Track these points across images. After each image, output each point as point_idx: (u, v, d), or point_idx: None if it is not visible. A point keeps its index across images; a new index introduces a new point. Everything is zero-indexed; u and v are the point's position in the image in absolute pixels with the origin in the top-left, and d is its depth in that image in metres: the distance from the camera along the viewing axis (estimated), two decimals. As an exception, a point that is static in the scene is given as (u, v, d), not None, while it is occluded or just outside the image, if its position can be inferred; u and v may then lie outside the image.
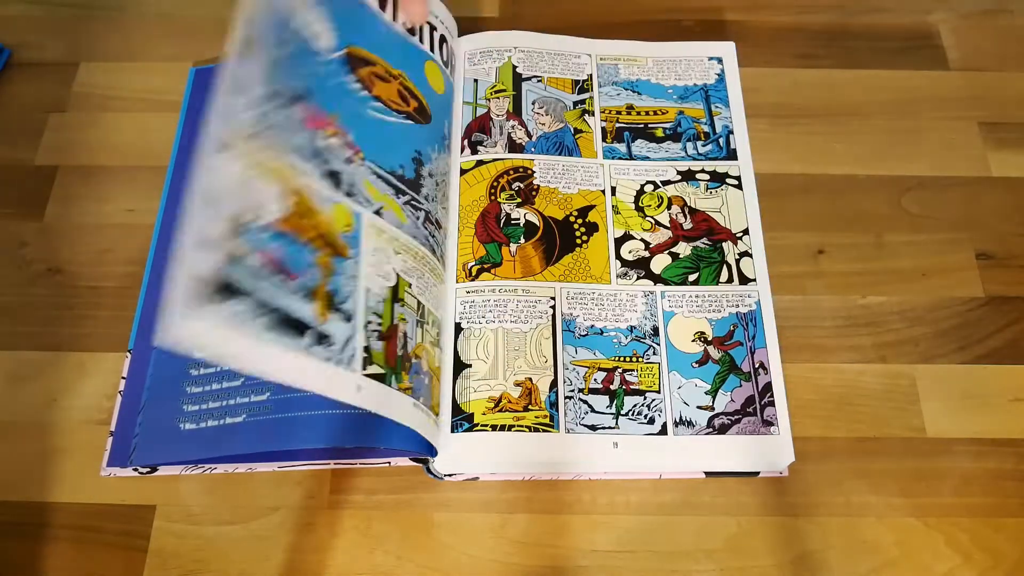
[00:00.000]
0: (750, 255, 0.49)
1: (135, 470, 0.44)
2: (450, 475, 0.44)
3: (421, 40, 0.50)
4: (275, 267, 0.34)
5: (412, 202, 0.45)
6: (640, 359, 0.46)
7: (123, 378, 0.47)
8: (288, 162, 0.37)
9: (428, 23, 0.51)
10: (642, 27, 0.58)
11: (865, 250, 0.51)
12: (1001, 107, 0.55)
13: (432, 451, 0.42)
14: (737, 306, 0.47)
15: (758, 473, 0.44)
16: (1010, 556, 0.42)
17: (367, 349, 0.38)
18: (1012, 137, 0.54)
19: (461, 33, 0.56)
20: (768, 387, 0.45)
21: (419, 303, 0.43)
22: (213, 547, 0.43)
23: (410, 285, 0.42)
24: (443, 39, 0.53)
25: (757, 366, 0.45)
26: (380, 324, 0.40)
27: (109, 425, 0.45)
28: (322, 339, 0.36)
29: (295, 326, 0.35)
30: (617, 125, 0.53)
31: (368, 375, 0.38)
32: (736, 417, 0.44)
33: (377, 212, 0.42)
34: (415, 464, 0.44)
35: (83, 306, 0.49)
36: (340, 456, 0.44)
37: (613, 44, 0.56)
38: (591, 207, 0.50)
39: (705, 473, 0.44)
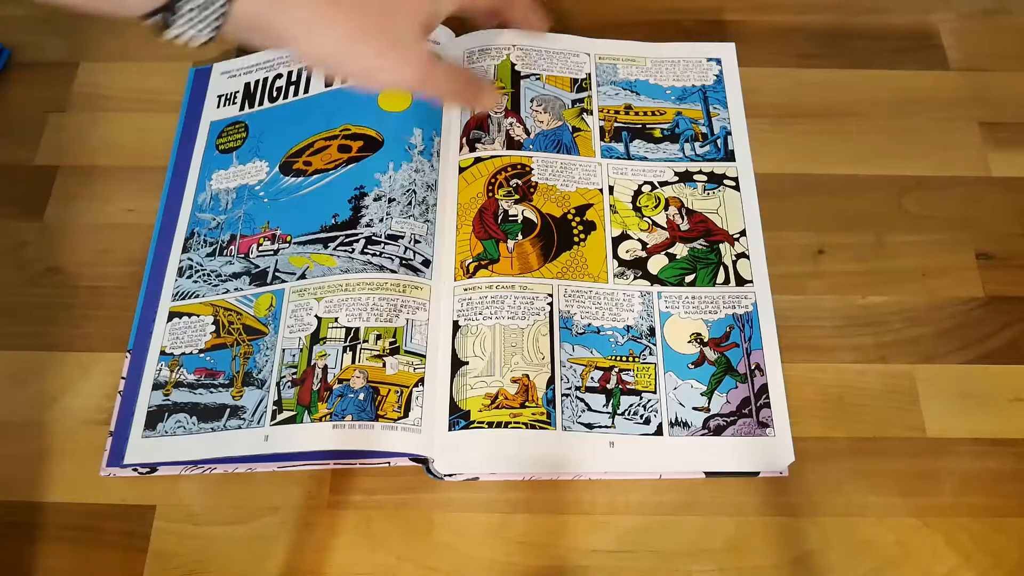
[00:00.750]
0: (747, 256, 0.49)
1: (135, 470, 0.44)
2: (450, 475, 0.44)
3: None
4: (206, 375, 0.46)
5: (345, 240, 0.48)
6: (636, 359, 0.45)
7: (123, 378, 0.47)
8: (220, 294, 0.48)
9: None
10: (642, 27, 0.58)
11: (865, 250, 0.51)
12: (1001, 107, 0.55)
13: (394, 454, 0.43)
14: (734, 307, 0.47)
15: (758, 473, 0.44)
16: (1010, 556, 0.42)
17: (278, 402, 0.44)
18: (1012, 137, 0.54)
19: (461, 32, 0.56)
20: (764, 389, 0.45)
21: (350, 329, 0.45)
22: (213, 547, 0.43)
23: (336, 319, 0.45)
24: None
25: (753, 368, 0.45)
26: (295, 373, 0.45)
27: (109, 425, 0.45)
28: (236, 412, 0.44)
29: (216, 413, 0.45)
30: (615, 125, 0.53)
31: (278, 423, 0.43)
32: (731, 419, 0.44)
33: (302, 275, 0.48)
34: (415, 464, 0.44)
35: (83, 306, 0.49)
36: (340, 456, 0.44)
37: (612, 44, 0.56)
38: (589, 206, 0.50)
39: (705, 473, 0.44)
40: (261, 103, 0.55)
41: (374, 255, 0.47)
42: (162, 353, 0.47)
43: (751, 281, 0.48)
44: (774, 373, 0.45)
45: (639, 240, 0.49)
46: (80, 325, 0.49)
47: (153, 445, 0.44)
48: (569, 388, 0.44)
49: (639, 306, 0.47)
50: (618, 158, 0.52)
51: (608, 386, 0.45)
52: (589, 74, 0.55)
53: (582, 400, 0.44)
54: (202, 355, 0.47)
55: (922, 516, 0.43)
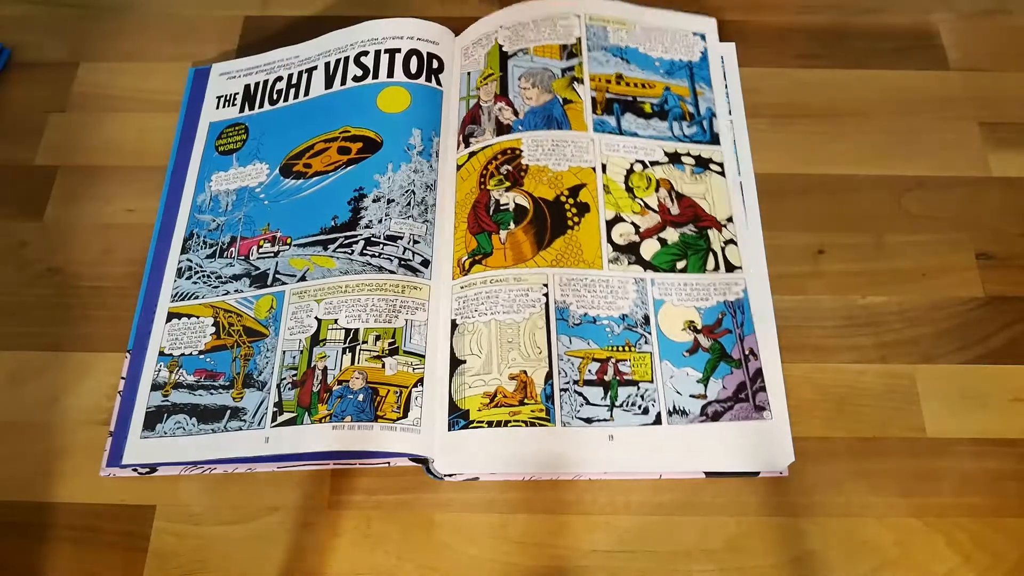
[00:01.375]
0: (735, 243, 0.49)
1: (135, 470, 0.44)
2: (450, 475, 0.44)
3: (390, 72, 0.53)
4: (206, 376, 0.46)
5: (344, 242, 0.48)
6: (632, 348, 0.45)
7: (122, 378, 0.47)
8: (220, 295, 0.48)
9: (395, 49, 0.54)
10: (642, 27, 0.58)
11: (865, 250, 0.51)
12: (1001, 107, 0.55)
13: (392, 454, 0.43)
14: (724, 294, 0.47)
15: (758, 473, 0.44)
16: (1010, 556, 0.42)
17: (278, 403, 0.44)
18: (1012, 137, 0.54)
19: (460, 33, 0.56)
20: (759, 373, 0.45)
21: (349, 331, 0.45)
22: (213, 547, 0.43)
23: (335, 321, 0.45)
24: (417, 53, 0.54)
25: (747, 353, 0.45)
26: (295, 375, 0.45)
27: (109, 425, 0.45)
28: (237, 413, 0.44)
29: (216, 414, 0.45)
30: (607, 96, 0.52)
31: (279, 424, 0.44)
32: (729, 404, 0.44)
33: (302, 277, 0.48)
34: (415, 464, 0.44)
35: (83, 306, 0.49)
36: (340, 457, 0.44)
37: (601, 2, 0.55)
38: (582, 186, 0.49)
39: (705, 473, 0.44)
40: (261, 105, 0.55)
41: (373, 256, 0.47)
42: (161, 354, 0.47)
43: (740, 267, 0.48)
44: (772, 359, 0.45)
45: (632, 223, 0.49)
46: (80, 325, 0.49)
47: (152, 446, 0.44)
48: (567, 382, 0.44)
49: (633, 293, 0.47)
50: (610, 132, 0.51)
51: (606, 378, 0.44)
52: (579, 38, 0.54)
53: (580, 394, 0.44)
54: (202, 356, 0.47)
55: (922, 516, 0.43)
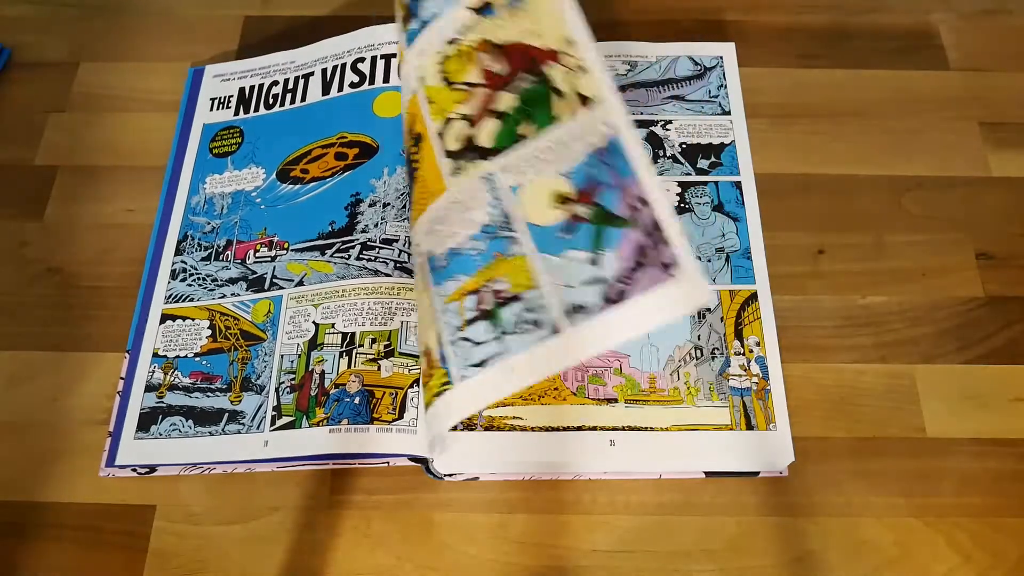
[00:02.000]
0: (584, 69, 0.37)
1: (134, 470, 0.44)
2: (450, 475, 0.44)
3: (386, 76, 0.53)
4: (202, 379, 0.46)
5: (342, 246, 0.48)
6: (504, 258, 0.37)
7: (121, 378, 0.47)
8: (216, 298, 0.48)
9: (391, 54, 0.54)
10: (641, 27, 0.58)
11: (865, 250, 0.51)
12: (1001, 107, 0.55)
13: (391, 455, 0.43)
14: (588, 139, 0.37)
15: (758, 473, 0.44)
16: (1010, 556, 0.42)
17: (277, 407, 0.45)
18: (1012, 137, 0.54)
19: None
20: (656, 224, 0.34)
21: (346, 335, 0.45)
22: (213, 547, 0.43)
23: (333, 325, 0.46)
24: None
25: (636, 202, 0.35)
26: (293, 379, 0.45)
27: (108, 425, 0.45)
28: (235, 416, 0.45)
29: (213, 417, 0.45)
30: (404, 1, 0.45)
31: (277, 428, 0.44)
32: (632, 275, 0.35)
33: (299, 282, 0.48)
34: (414, 464, 0.44)
35: (83, 306, 0.49)
36: (338, 457, 0.44)
37: None
38: (414, 118, 0.43)
39: (705, 473, 0.44)
40: (256, 109, 0.55)
41: (369, 260, 0.47)
42: (155, 355, 0.47)
43: (595, 99, 0.37)
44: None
45: (461, 116, 0.39)
46: (80, 325, 0.49)
47: (146, 447, 0.44)
48: (453, 335, 0.38)
49: (485, 195, 0.38)
50: (416, 35, 0.43)
51: (485, 307, 0.37)
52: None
53: (466, 339, 0.37)
54: (198, 359, 0.47)
55: (922, 516, 0.43)
